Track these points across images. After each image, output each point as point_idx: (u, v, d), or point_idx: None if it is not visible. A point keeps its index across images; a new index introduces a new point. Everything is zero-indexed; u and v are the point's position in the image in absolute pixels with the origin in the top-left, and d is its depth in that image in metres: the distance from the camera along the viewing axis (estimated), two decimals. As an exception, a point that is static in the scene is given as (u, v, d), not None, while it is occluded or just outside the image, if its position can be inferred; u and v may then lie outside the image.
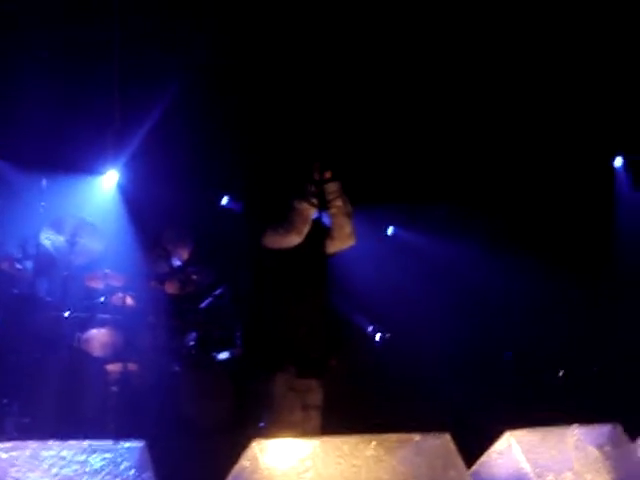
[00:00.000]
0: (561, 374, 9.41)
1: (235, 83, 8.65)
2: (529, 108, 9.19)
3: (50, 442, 2.90)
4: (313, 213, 4.77)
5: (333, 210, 4.87)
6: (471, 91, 9.02)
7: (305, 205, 4.72)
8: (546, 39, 8.40)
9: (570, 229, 9.73)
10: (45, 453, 2.84)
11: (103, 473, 2.91)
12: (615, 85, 8.84)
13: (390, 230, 11.28)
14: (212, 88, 8.64)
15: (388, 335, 9.11)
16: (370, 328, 9.10)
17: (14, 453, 2.82)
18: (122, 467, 2.98)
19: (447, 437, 4.23)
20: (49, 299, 7.58)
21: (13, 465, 2.79)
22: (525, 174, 9.79)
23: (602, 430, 5.07)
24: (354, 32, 8.32)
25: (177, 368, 7.29)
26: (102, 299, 7.71)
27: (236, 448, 3.71)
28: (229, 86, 8.65)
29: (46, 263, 7.74)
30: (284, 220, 4.69)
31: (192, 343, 7.87)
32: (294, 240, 4.72)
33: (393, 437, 4.08)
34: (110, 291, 7.77)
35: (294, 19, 8.24)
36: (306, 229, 4.74)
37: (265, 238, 4.71)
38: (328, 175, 4.86)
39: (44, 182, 7.97)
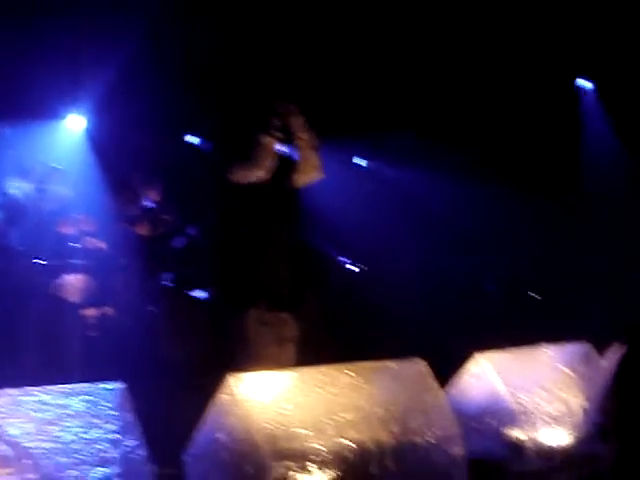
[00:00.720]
0: (533, 295, 9.54)
1: (200, 21, 8.54)
2: (493, 30, 9.15)
3: (29, 388, 2.94)
4: (277, 147, 4.76)
5: (298, 143, 4.87)
6: (436, 12, 8.95)
7: (269, 139, 4.72)
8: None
9: (536, 152, 9.76)
10: (26, 399, 2.88)
11: (84, 415, 2.96)
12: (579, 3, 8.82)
13: (359, 161, 11.26)
14: (178, 27, 8.53)
15: (362, 267, 9.16)
16: (343, 260, 9.15)
17: (-6, 401, 2.86)
18: (102, 408, 3.02)
19: (422, 362, 4.32)
20: (21, 248, 7.54)
21: (-5, 412, 2.83)
22: (490, 97, 9.78)
23: (572, 349, 5.18)
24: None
25: (153, 309, 7.33)
26: (74, 244, 7.69)
27: (214, 385, 3.77)
28: (194, 24, 8.54)
29: (15, 212, 7.69)
30: (250, 155, 4.69)
31: (166, 284, 7.90)
32: (259, 174, 4.72)
33: (370, 365, 4.17)
34: (82, 236, 7.75)
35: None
36: (270, 163, 4.74)
37: (232, 173, 4.71)
38: (292, 108, 4.86)
39: (7, 130, 7.88)
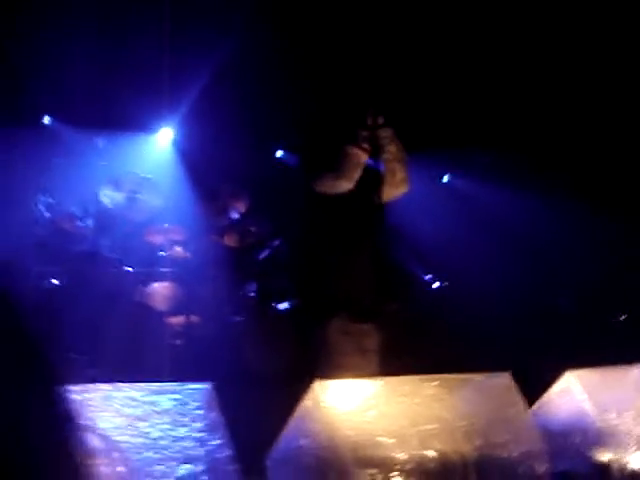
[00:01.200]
0: (623, 317, 9.34)
1: (289, 31, 8.62)
2: (579, 50, 9.04)
3: (120, 384, 3.00)
4: (365, 159, 4.77)
5: (386, 156, 4.87)
6: (524, 35, 8.89)
7: (356, 150, 4.72)
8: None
9: (622, 172, 9.58)
10: (116, 394, 2.94)
11: (171, 412, 3.01)
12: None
13: (446, 178, 11.23)
14: (264, 40, 8.63)
15: (446, 283, 9.11)
16: (428, 276, 9.12)
17: (87, 395, 2.93)
18: (190, 407, 3.07)
19: (507, 376, 4.27)
20: (111, 256, 7.72)
21: (87, 406, 2.90)
22: (576, 119, 9.64)
23: (664, 369, 5.05)
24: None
25: (238, 319, 7.40)
26: (162, 253, 7.83)
27: (297, 394, 3.79)
28: (283, 35, 8.63)
29: (107, 220, 7.87)
30: (336, 166, 4.70)
31: (252, 294, 7.98)
32: (345, 186, 4.73)
33: (454, 377, 4.14)
34: (170, 245, 7.89)
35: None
36: (357, 175, 4.74)
37: (317, 183, 4.73)
38: (381, 120, 4.86)
39: (101, 141, 8.08)
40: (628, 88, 9.14)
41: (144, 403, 2.96)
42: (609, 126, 9.55)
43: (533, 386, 4.60)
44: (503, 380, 4.26)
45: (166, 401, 3.01)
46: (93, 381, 6.26)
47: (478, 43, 8.94)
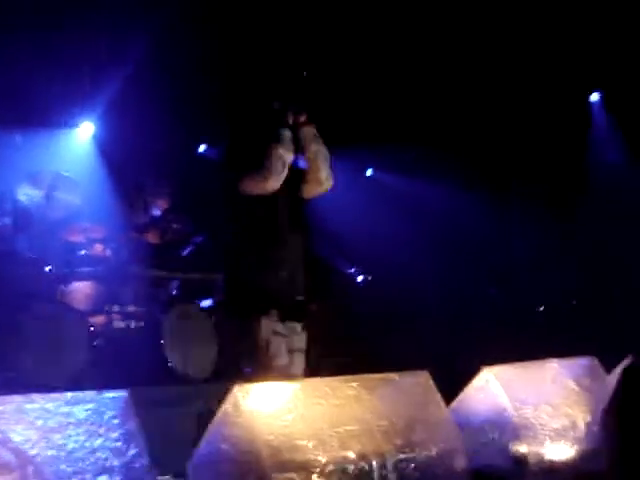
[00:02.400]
0: (541, 309, 9.52)
1: (209, 30, 8.57)
2: (504, 43, 9.16)
3: (34, 395, 2.95)
4: (290, 157, 4.77)
5: (309, 154, 4.88)
6: (446, 28, 8.98)
7: (281, 150, 4.72)
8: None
9: (544, 164, 9.77)
10: (30, 406, 2.89)
11: (87, 423, 2.98)
12: (594, 19, 8.82)
13: (369, 172, 11.30)
14: (186, 36, 8.56)
15: (369, 277, 9.18)
16: (351, 270, 9.17)
17: (0, 407, 2.87)
18: (106, 417, 3.04)
19: (426, 374, 4.32)
20: (29, 255, 7.57)
21: (-1, 419, 2.85)
22: (500, 111, 9.80)
23: (579, 364, 5.17)
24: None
25: (160, 317, 7.34)
26: (83, 252, 7.71)
27: (220, 395, 3.78)
28: (203, 33, 8.57)
29: (24, 219, 7.71)
30: (261, 166, 4.69)
31: (174, 292, 7.92)
32: (272, 185, 4.72)
33: (373, 377, 4.17)
34: (90, 244, 7.77)
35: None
36: (284, 174, 4.74)
37: (243, 184, 4.71)
38: (302, 119, 4.87)
39: (18, 137, 7.93)
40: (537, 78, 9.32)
41: (58, 414, 2.92)
42: (536, 121, 9.73)
43: (451, 383, 4.67)
44: (421, 378, 4.31)
45: (81, 411, 2.97)
46: (12, 385, 6.18)
47: (399, 36, 8.99)
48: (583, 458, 4.68)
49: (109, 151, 9.18)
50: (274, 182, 4.72)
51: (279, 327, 4.68)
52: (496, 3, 8.69)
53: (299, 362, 4.81)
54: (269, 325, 4.64)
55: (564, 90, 9.70)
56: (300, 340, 4.84)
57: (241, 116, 5.18)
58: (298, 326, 4.82)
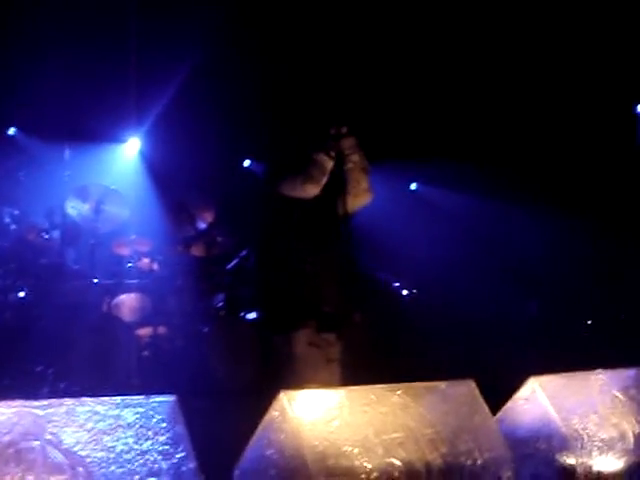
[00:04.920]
0: (588, 323, 9.43)
1: (254, 46, 8.65)
2: (550, 58, 9.13)
3: (84, 399, 3.00)
4: (331, 165, 4.81)
5: (349, 165, 4.90)
6: (490, 44, 8.97)
7: (323, 157, 4.77)
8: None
9: (592, 178, 9.68)
10: (80, 409, 2.94)
11: (136, 426, 3.01)
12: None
13: (413, 186, 11.31)
14: (231, 51, 8.65)
15: (414, 291, 9.15)
16: (396, 284, 9.15)
17: (50, 410, 2.92)
18: (154, 420, 3.07)
19: (472, 384, 4.29)
20: (77, 267, 7.68)
21: (50, 421, 2.89)
22: (547, 126, 9.74)
23: (627, 374, 5.11)
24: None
25: (206, 330, 7.39)
26: (129, 265, 7.81)
27: (264, 405, 3.80)
28: (248, 49, 8.65)
29: (73, 232, 7.83)
30: (304, 170, 4.74)
31: (220, 304, 7.98)
32: (312, 190, 4.76)
33: (419, 385, 4.16)
34: (137, 256, 7.87)
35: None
36: (323, 180, 4.78)
37: (283, 186, 4.76)
38: (344, 130, 4.90)
39: (67, 152, 8.05)
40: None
41: (108, 417, 2.96)
42: (577, 132, 9.66)
43: (497, 393, 4.64)
44: (467, 388, 4.29)
45: (130, 415, 3.01)
46: (61, 394, 6.27)
47: (444, 53, 9.01)
48: (632, 470, 4.62)
49: (155, 166, 9.29)
50: (314, 187, 4.77)
51: (316, 338, 4.70)
52: (542, 16, 8.67)
53: (335, 372, 4.83)
54: (306, 337, 4.66)
55: (610, 102, 9.62)
56: (336, 350, 4.85)
57: (285, 128, 5.23)
58: (334, 337, 4.84)
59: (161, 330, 7.56)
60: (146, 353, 7.28)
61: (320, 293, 4.75)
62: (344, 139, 4.86)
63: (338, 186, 4.92)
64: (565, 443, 4.66)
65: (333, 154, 4.79)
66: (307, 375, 4.58)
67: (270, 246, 4.94)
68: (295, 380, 4.54)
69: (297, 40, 8.55)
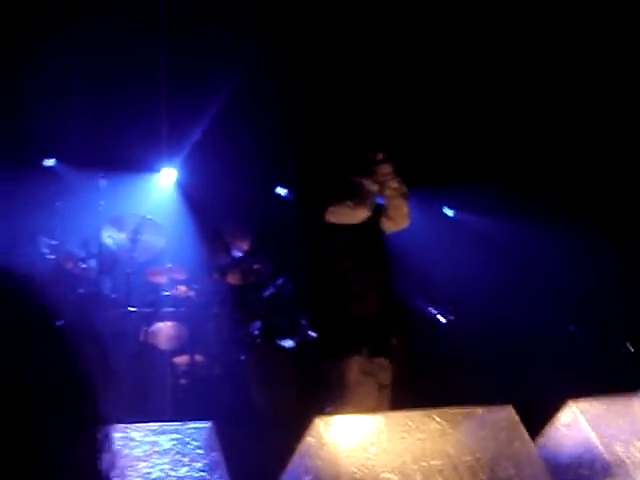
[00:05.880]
0: (629, 345, 9.29)
1: (290, 72, 8.69)
2: (585, 82, 9.08)
3: (120, 425, 2.99)
4: (375, 189, 4.82)
5: (388, 192, 4.90)
6: (525, 67, 8.96)
7: (368, 181, 4.78)
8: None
9: (631, 199, 9.57)
10: (116, 435, 2.93)
11: (172, 453, 3.00)
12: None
13: (448, 211, 11.25)
14: (266, 78, 8.70)
15: (452, 318, 9.08)
16: (433, 310, 9.09)
17: (86, 437, 2.91)
18: (190, 447, 3.06)
19: (510, 409, 4.24)
20: (114, 296, 7.72)
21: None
22: (581, 149, 9.67)
23: (670, 398, 5.01)
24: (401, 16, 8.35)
25: (243, 358, 7.39)
26: (166, 293, 7.84)
27: (301, 432, 3.77)
28: (283, 75, 8.70)
29: (109, 261, 7.89)
30: (351, 195, 4.74)
31: (256, 332, 7.96)
32: (363, 214, 4.77)
33: (457, 411, 4.11)
34: (173, 285, 7.89)
35: (340, 13, 8.29)
36: (371, 204, 4.80)
37: (330, 214, 4.75)
38: (381, 157, 4.90)
39: (103, 182, 8.13)
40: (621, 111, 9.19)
41: (144, 443, 2.96)
42: (608, 150, 9.58)
43: (536, 418, 4.57)
44: (506, 413, 4.23)
45: (166, 441, 3.00)
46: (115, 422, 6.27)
47: (477, 77, 9.00)
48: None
49: (191, 195, 9.33)
50: (365, 211, 4.79)
51: (368, 365, 4.66)
52: (570, 30, 8.64)
53: (385, 398, 4.79)
54: (359, 364, 4.63)
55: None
56: (386, 376, 4.81)
57: (321, 156, 5.24)
58: (385, 361, 4.80)
59: (197, 358, 7.56)
60: (183, 381, 7.28)
61: (371, 317, 4.73)
62: (382, 165, 4.86)
63: (377, 212, 4.92)
64: (608, 470, 4.57)
65: (376, 178, 4.80)
66: (357, 401, 4.54)
67: (320, 272, 4.92)
68: (344, 406, 4.50)
69: (333, 66, 8.58)
